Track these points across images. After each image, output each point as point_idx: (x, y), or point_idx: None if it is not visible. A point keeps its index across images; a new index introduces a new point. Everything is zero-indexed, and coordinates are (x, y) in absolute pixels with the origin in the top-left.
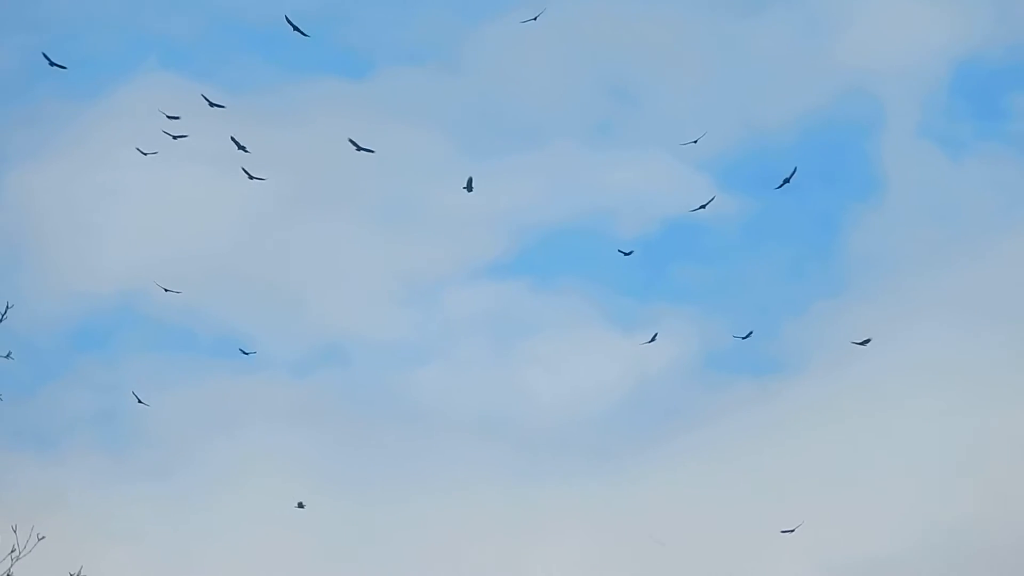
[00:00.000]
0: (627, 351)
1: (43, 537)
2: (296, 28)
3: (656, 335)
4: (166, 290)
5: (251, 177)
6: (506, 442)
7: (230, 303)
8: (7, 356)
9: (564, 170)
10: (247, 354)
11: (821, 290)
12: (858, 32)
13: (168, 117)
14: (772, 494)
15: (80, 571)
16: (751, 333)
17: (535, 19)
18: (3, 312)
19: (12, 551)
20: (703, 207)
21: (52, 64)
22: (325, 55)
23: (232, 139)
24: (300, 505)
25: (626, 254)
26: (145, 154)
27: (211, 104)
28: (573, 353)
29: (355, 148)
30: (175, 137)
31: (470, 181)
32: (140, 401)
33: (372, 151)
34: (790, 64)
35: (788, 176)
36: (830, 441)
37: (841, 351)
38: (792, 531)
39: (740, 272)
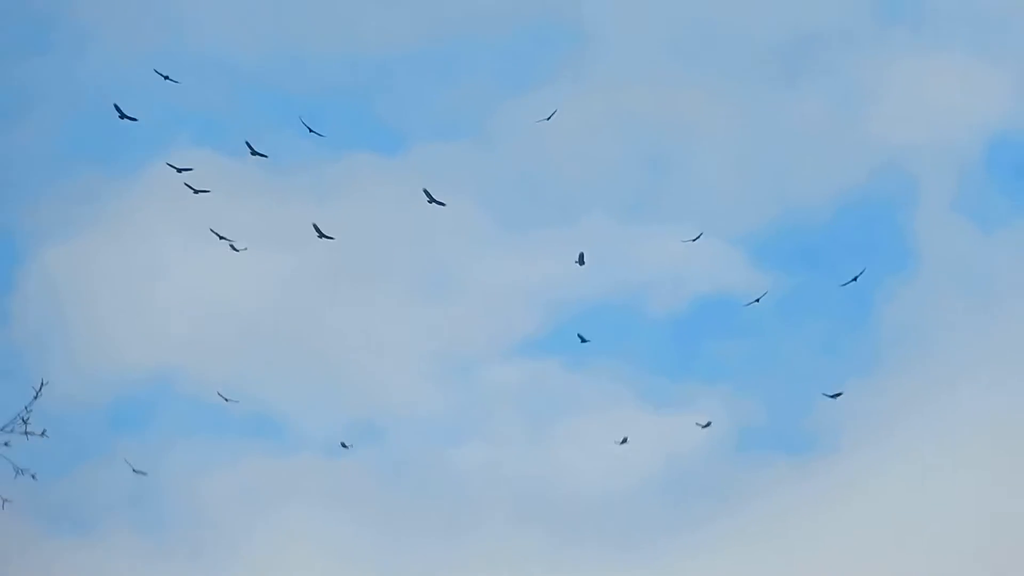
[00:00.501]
0: (660, 430)
1: None
2: (312, 130)
3: (709, 423)
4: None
5: (321, 235)
6: (540, 523)
7: (265, 380)
8: (42, 434)
9: (598, 245)
10: (227, 400)
11: (855, 366)
12: (893, 106)
13: (195, 191)
14: (808, 574)
15: None
16: (839, 394)
17: (548, 119)
18: (38, 390)
19: None
20: (757, 301)
21: (123, 116)
22: (359, 131)
23: (314, 226)
24: None
25: (583, 341)
26: (221, 237)
27: (253, 152)
28: (606, 432)
29: (317, 235)
30: (196, 191)
31: (582, 256)
32: (135, 470)
33: (332, 238)
34: (825, 138)
35: (856, 275)
36: (868, 519)
37: (876, 427)
38: None
39: (774, 349)
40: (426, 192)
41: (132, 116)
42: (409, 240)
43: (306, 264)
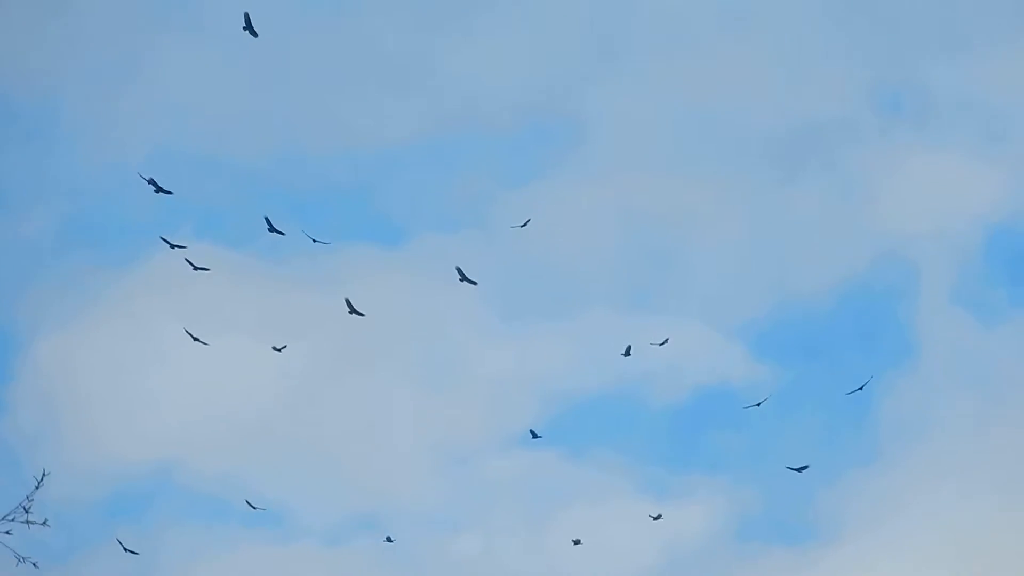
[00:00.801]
0: (659, 521)
1: None
2: (316, 240)
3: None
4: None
5: (352, 311)
6: None
7: (265, 471)
8: (43, 524)
9: (597, 336)
10: (254, 508)
11: (854, 457)
12: (893, 198)
13: (195, 268)
14: None
15: None
16: (806, 467)
17: (523, 226)
18: (39, 479)
19: None
20: (758, 405)
21: (159, 190)
22: (359, 223)
23: (346, 301)
24: None
25: (535, 436)
26: (195, 339)
27: (271, 229)
28: (605, 524)
29: (348, 311)
30: (195, 268)
31: (629, 348)
32: (127, 549)
33: (363, 314)
34: (825, 230)
35: (862, 385)
36: None
37: (875, 517)
38: None
39: (773, 440)
40: (458, 270)
41: (168, 189)
42: (409, 331)
43: (306, 355)
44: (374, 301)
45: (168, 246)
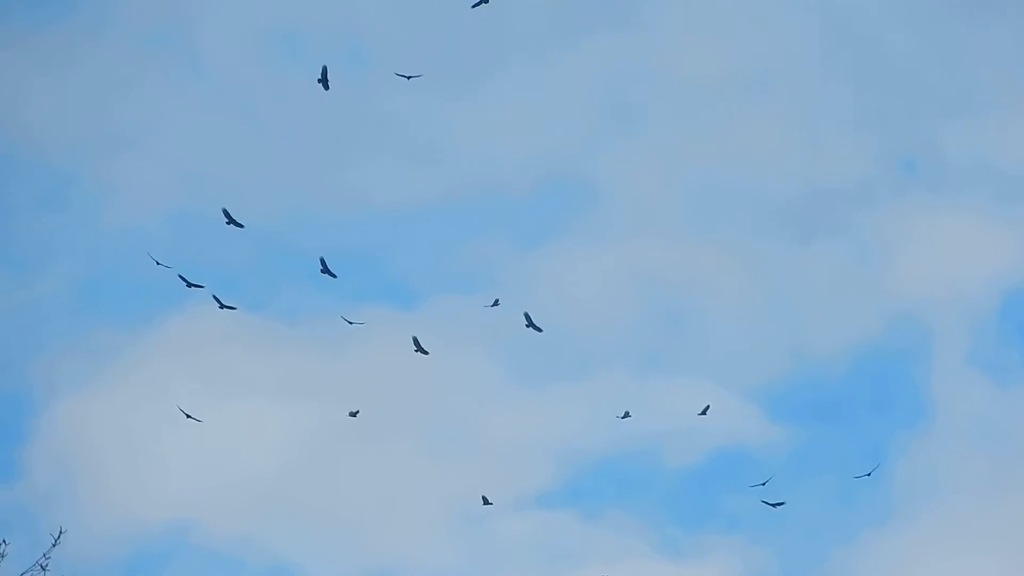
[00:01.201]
0: None
1: None
2: (326, 269)
3: None
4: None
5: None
6: None
7: (281, 531)
8: None
9: (613, 398)
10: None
11: (868, 518)
12: (908, 260)
13: (222, 305)
14: None
15: None
16: (782, 503)
17: (494, 305)
18: (56, 537)
19: None
20: (763, 484)
21: (230, 222)
22: (376, 285)
23: (414, 340)
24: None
25: (487, 503)
26: (188, 416)
27: (221, 306)
28: None
29: (415, 349)
30: (222, 306)
31: (627, 413)
32: None
33: (427, 352)
34: (839, 292)
35: (871, 470)
36: None
37: None
38: None
39: (788, 500)
40: (527, 316)
41: (239, 222)
42: (424, 393)
43: (321, 416)
44: (389, 362)
45: (185, 284)
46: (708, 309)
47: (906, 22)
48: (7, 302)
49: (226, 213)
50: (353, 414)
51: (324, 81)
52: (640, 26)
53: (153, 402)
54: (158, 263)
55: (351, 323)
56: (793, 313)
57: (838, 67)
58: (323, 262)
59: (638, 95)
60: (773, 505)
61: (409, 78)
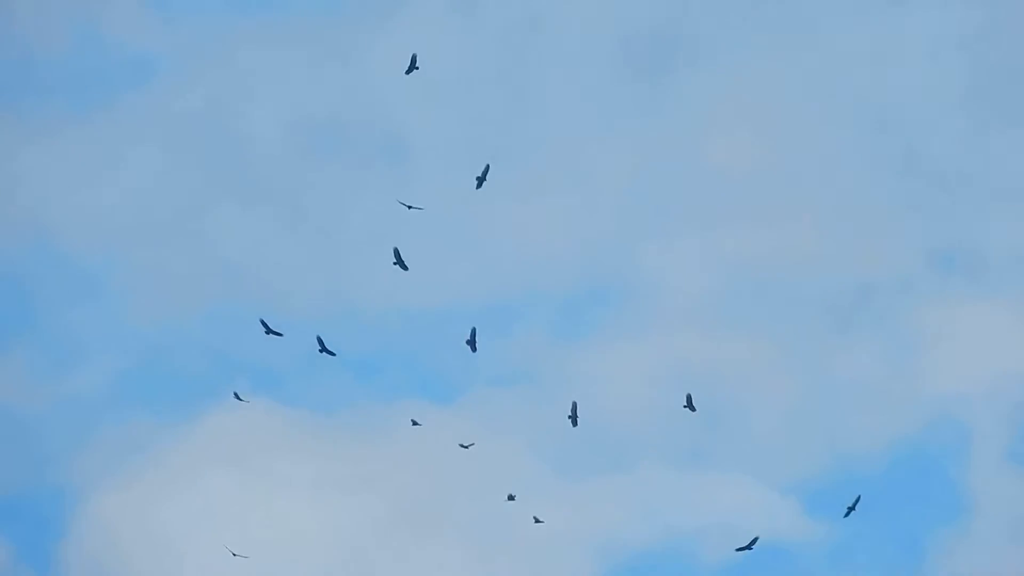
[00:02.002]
0: None
1: None
2: (324, 349)
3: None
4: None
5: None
6: None
7: None
8: None
9: (652, 492)
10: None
11: None
12: (947, 355)
13: (268, 330)
14: None
15: None
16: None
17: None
18: None
19: None
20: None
21: (269, 331)
22: (413, 379)
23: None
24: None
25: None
26: (235, 555)
27: (268, 331)
28: None
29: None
30: (268, 331)
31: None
32: None
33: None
34: (879, 388)
35: (852, 505)
36: None
37: None
38: None
39: None
40: (573, 408)
41: (278, 331)
42: (463, 486)
43: (360, 512)
44: (426, 456)
45: (265, 330)
46: (747, 404)
47: (946, 119)
48: (43, 396)
49: (264, 324)
50: (466, 447)
51: (400, 262)
52: (681, 121)
53: (192, 496)
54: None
55: (416, 423)
56: (832, 408)
57: (878, 162)
58: (320, 341)
59: (678, 191)
60: (747, 547)
61: (410, 208)
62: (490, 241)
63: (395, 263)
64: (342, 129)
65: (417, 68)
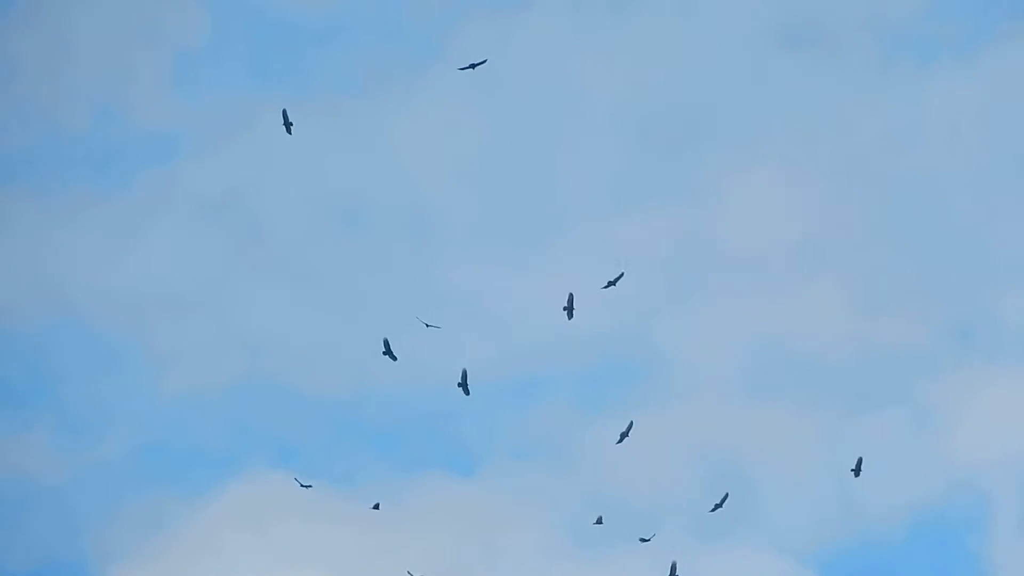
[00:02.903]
0: None
1: None
2: (388, 352)
3: None
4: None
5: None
6: None
7: None
8: None
9: (669, 562)
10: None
11: None
12: (966, 427)
13: (302, 485)
14: None
15: None
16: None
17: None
18: None
19: None
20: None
21: (386, 352)
22: (434, 452)
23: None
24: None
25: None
26: None
27: (301, 485)
28: None
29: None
30: (302, 485)
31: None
32: None
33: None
34: (897, 458)
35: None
36: None
37: None
38: None
39: None
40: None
41: (394, 355)
42: (484, 559)
43: None
44: (449, 531)
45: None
46: (767, 474)
47: (965, 194)
48: (65, 468)
49: (386, 344)
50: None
51: (389, 352)
52: (698, 194)
53: (211, 569)
54: (386, 351)
55: (428, 326)
56: (850, 480)
57: (895, 234)
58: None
59: (696, 262)
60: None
61: (428, 326)
62: (510, 313)
63: (384, 353)
64: (364, 204)
65: (291, 124)
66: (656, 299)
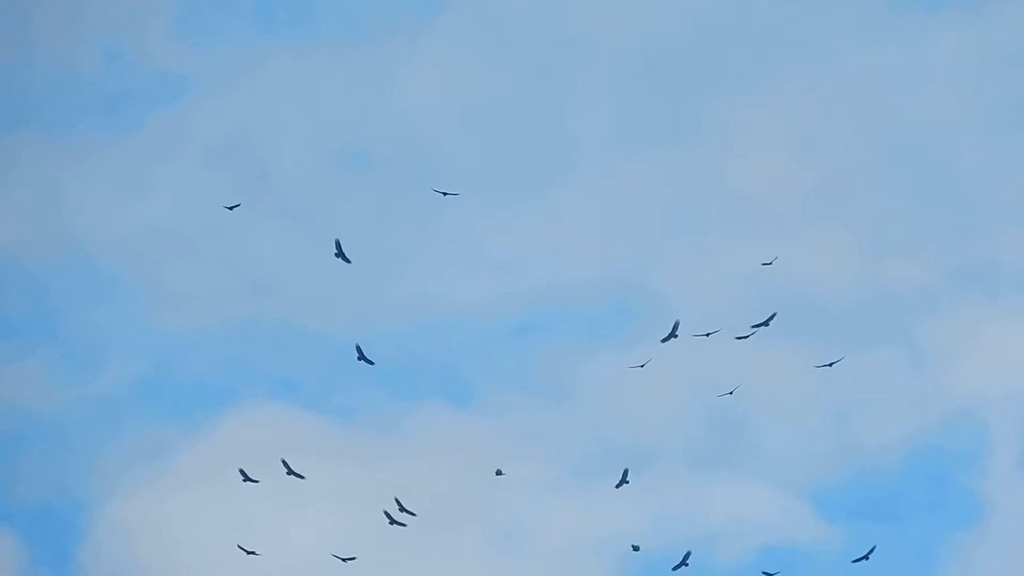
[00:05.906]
0: None
1: None
2: (363, 357)
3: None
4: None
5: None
6: None
7: None
8: None
9: (667, 497)
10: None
11: None
12: (965, 364)
13: (289, 471)
14: None
15: None
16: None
17: (642, 367)
18: None
19: None
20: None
21: (361, 358)
22: (433, 384)
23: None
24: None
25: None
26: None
27: (289, 471)
28: None
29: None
30: (289, 472)
31: (636, 547)
32: None
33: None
34: (896, 393)
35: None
36: None
37: None
38: None
39: None
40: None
41: (370, 359)
42: (482, 489)
43: (377, 517)
44: (448, 460)
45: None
46: (764, 409)
47: (970, 136)
48: (64, 399)
49: (359, 350)
50: (499, 472)
51: (341, 255)
52: (703, 137)
53: (209, 503)
54: (360, 356)
55: (445, 194)
56: (848, 413)
57: (898, 177)
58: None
59: (701, 206)
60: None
61: (445, 195)
62: (515, 254)
63: (336, 254)
64: (370, 148)
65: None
66: (658, 241)
